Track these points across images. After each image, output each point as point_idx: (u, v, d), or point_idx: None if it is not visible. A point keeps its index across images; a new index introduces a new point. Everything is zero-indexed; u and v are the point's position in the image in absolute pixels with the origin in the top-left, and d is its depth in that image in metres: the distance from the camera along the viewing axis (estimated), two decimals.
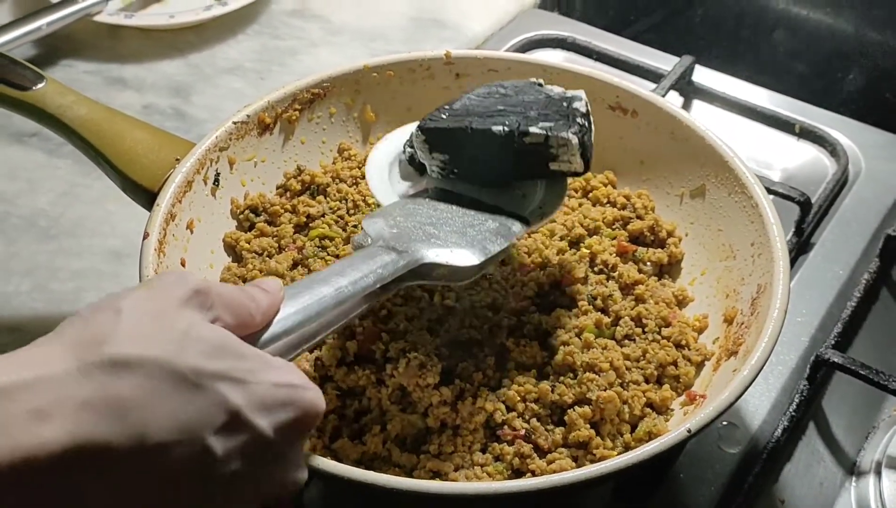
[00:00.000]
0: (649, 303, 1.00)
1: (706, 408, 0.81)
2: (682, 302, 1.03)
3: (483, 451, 0.89)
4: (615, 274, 1.03)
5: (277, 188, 1.12)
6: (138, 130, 1.05)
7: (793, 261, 1.18)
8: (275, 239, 1.06)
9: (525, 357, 0.95)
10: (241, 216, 1.07)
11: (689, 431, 0.79)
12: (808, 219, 1.20)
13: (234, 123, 1.06)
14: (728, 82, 1.44)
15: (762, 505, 0.97)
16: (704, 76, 1.43)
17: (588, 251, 1.04)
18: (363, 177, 1.12)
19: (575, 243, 1.06)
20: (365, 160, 1.13)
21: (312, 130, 1.15)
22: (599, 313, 0.98)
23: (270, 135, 1.11)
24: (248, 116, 1.08)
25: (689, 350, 0.97)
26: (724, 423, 1.02)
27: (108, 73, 1.44)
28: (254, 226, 1.07)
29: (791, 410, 1.01)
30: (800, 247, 1.20)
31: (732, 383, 0.83)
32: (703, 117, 1.39)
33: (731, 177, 1.02)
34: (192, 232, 1.01)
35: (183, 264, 0.98)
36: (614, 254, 1.04)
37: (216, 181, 1.05)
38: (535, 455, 0.89)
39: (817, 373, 1.04)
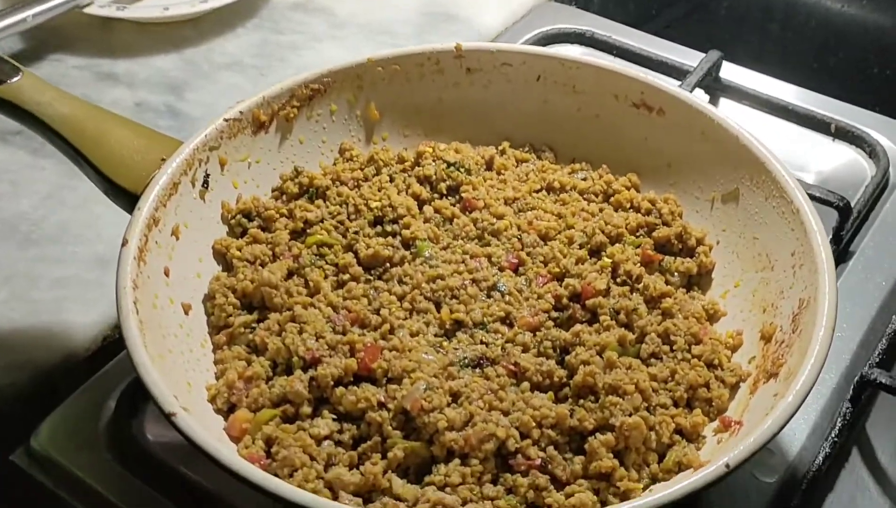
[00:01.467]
0: (677, 318, 0.91)
1: (746, 439, 0.72)
2: (713, 317, 0.94)
3: (494, 483, 0.81)
4: (640, 285, 0.94)
5: (273, 191, 1.03)
6: (123, 129, 0.97)
7: None
8: (269, 246, 0.97)
9: (541, 377, 0.86)
10: (233, 221, 0.99)
11: (727, 467, 0.71)
12: (848, 225, 1.11)
13: (226, 120, 0.98)
14: (758, 79, 1.35)
15: None
16: (732, 73, 1.35)
17: (610, 261, 0.95)
18: (365, 180, 1.04)
19: (595, 252, 0.98)
20: (368, 160, 1.05)
21: (312, 129, 1.06)
22: (623, 329, 0.90)
23: (266, 133, 1.02)
24: (241, 113, 0.99)
25: (723, 370, 0.88)
26: None
27: (98, 68, 1.37)
28: (246, 231, 0.99)
29: (833, 435, 0.92)
30: (838, 256, 1.11)
31: (775, 411, 0.74)
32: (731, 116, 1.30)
33: (769, 180, 0.93)
34: (177, 238, 0.92)
35: (167, 273, 0.90)
36: (639, 264, 0.96)
37: (205, 183, 0.97)
38: (551, 487, 0.80)
39: (861, 394, 0.95)
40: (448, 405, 0.83)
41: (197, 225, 0.96)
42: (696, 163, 1.01)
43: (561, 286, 0.94)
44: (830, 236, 1.10)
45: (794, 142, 1.27)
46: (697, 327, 0.90)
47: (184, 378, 0.85)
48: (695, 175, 1.02)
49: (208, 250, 0.97)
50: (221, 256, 0.97)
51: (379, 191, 1.02)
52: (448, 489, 0.79)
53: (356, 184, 1.03)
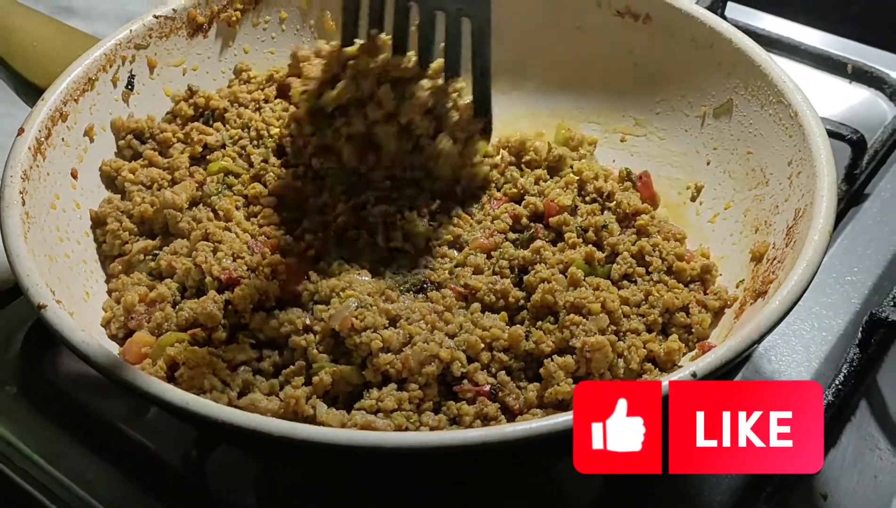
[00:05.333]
0: (655, 238, 0.79)
1: (719, 350, 0.60)
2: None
3: (436, 412, 0.69)
4: (612, 204, 0.82)
5: (166, 115, 0.90)
6: (39, 24, 0.88)
7: (843, 213, 0.97)
8: (167, 171, 0.85)
9: (494, 296, 0.75)
10: (122, 141, 0.86)
11: (693, 376, 0.58)
12: (862, 164, 0.99)
13: (157, 17, 0.88)
14: (766, 19, 1.23)
15: (798, 501, 0.75)
16: (739, 12, 1.23)
17: (576, 177, 0.84)
18: (266, 101, 0.91)
19: (554, 168, 0.86)
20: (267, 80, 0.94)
21: (258, 38, 0.96)
22: (591, 247, 0.78)
23: (205, 38, 0.92)
24: (174, 11, 0.89)
25: (705, 294, 0.76)
26: None
27: (54, 2, 1.28)
28: (138, 155, 0.86)
29: (837, 383, 0.80)
30: (851, 197, 0.99)
31: (757, 317, 0.62)
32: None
33: (765, 85, 0.82)
34: (91, 140, 0.82)
35: (74, 175, 0.80)
36: (610, 181, 0.84)
37: (129, 85, 0.86)
38: (502, 417, 0.69)
39: (871, 338, 0.82)
40: (385, 327, 0.71)
41: None
42: (685, 74, 0.90)
43: (520, 206, 0.82)
44: (843, 175, 0.98)
45: (807, 84, 1.12)
46: (678, 247, 0.78)
47: (82, 286, 0.74)
48: (684, 89, 0.90)
49: None
50: (110, 180, 0.84)
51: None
52: (381, 414, 0.67)
53: (257, 106, 0.91)
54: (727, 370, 0.60)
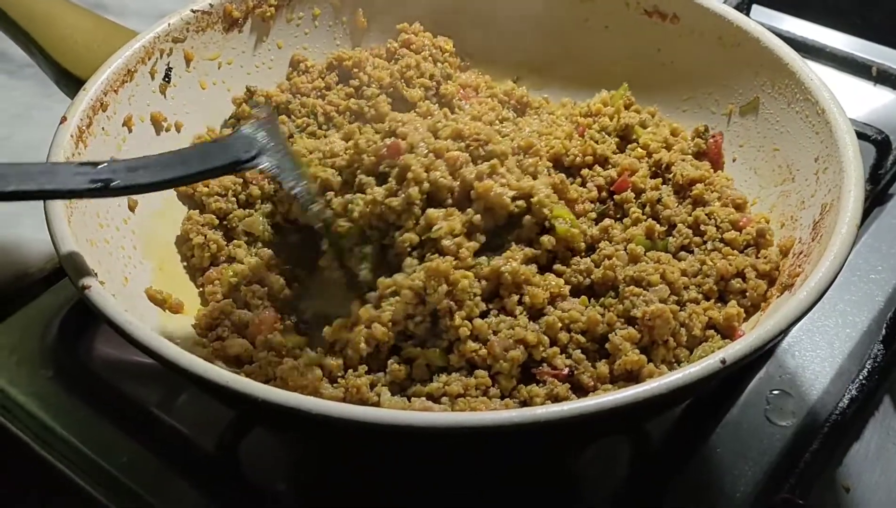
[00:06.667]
0: (713, 205, 0.81)
1: (748, 338, 0.61)
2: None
3: (503, 397, 0.70)
4: (669, 174, 0.84)
5: (229, 119, 0.92)
6: (80, 17, 0.89)
7: (867, 213, 0.98)
8: (237, 174, 0.87)
9: (581, 277, 0.76)
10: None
11: (722, 362, 0.59)
12: (887, 164, 1.00)
13: (194, 11, 0.90)
14: (791, 22, 1.25)
15: (821, 492, 0.76)
16: (764, 15, 1.24)
17: (644, 151, 0.86)
18: (328, 89, 0.94)
19: (623, 137, 0.88)
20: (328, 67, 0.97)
21: (292, 33, 0.97)
22: (651, 221, 0.80)
23: (239, 32, 0.94)
24: (211, 5, 0.91)
25: (757, 257, 0.78)
26: (776, 392, 0.82)
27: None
28: None
29: (861, 378, 0.81)
30: (875, 197, 1.00)
31: (784, 308, 0.63)
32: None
33: (792, 83, 0.83)
34: (130, 130, 0.84)
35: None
36: (673, 151, 0.86)
37: (167, 76, 0.88)
38: (573, 396, 0.70)
39: (895, 335, 0.83)
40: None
41: None
42: (712, 73, 0.91)
43: (601, 174, 0.84)
44: (868, 174, 0.99)
45: (832, 87, 1.14)
46: (737, 215, 0.80)
47: (120, 272, 0.75)
48: (711, 87, 0.91)
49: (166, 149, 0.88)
50: (188, 198, 0.87)
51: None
52: (445, 399, 0.69)
53: (319, 93, 0.93)
54: (755, 358, 0.61)
